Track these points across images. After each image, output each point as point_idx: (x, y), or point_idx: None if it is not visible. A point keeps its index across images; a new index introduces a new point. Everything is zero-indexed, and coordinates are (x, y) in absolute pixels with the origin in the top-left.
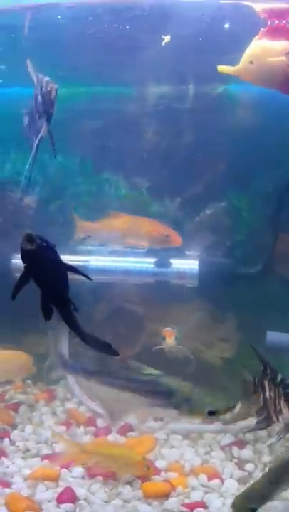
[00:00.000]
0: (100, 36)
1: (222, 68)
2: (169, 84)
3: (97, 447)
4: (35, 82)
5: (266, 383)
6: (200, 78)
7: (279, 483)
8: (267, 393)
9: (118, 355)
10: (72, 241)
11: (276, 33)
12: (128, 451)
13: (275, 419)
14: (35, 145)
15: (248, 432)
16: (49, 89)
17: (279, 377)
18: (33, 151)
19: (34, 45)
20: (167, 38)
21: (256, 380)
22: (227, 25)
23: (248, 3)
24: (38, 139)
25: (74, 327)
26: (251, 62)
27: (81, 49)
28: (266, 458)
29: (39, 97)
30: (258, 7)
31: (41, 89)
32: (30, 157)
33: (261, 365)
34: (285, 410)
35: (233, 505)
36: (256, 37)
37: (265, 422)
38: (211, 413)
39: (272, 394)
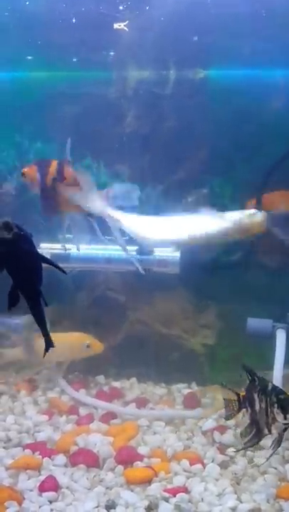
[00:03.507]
0: (79, 18)
1: None
2: (150, 68)
3: None
4: None
5: (255, 396)
6: (182, 63)
7: None
8: (257, 406)
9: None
10: None
11: None
12: None
13: (266, 431)
14: None
15: (239, 450)
16: None
17: (270, 386)
18: None
19: (13, 27)
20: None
21: (240, 396)
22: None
23: None
24: None
25: (39, 321)
26: None
27: (61, 31)
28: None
29: None
30: None
31: None
32: None
33: (248, 378)
34: (279, 417)
35: None
36: None
37: (257, 437)
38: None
39: (262, 405)
